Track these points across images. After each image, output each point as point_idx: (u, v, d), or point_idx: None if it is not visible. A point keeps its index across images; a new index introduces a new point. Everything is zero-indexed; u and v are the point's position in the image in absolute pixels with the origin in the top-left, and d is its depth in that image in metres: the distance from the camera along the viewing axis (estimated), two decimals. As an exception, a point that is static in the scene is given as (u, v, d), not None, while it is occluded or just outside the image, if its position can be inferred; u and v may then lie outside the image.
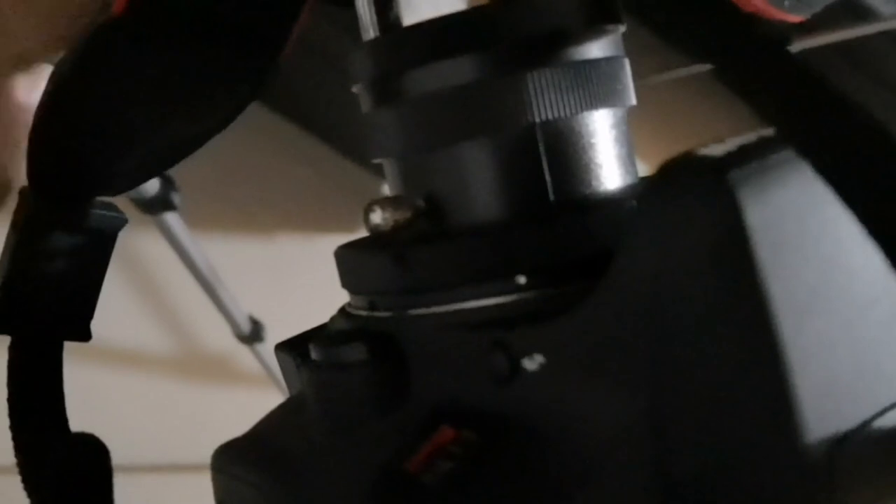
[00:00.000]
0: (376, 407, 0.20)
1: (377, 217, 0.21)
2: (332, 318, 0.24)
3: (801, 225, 0.16)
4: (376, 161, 0.23)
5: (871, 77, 1.35)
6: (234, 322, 1.15)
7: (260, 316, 1.20)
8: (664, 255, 0.16)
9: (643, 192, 0.16)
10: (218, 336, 1.23)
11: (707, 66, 0.18)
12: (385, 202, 0.21)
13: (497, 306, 0.20)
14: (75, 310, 0.24)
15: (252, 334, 1.18)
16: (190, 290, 1.10)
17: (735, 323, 0.15)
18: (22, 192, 0.24)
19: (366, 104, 0.22)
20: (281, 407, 0.24)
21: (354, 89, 0.23)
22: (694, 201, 0.15)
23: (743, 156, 0.16)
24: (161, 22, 0.21)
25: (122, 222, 0.25)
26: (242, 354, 1.24)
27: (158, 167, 0.25)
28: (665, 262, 0.16)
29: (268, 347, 1.20)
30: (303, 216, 1.38)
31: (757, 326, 0.15)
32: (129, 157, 0.24)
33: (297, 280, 1.40)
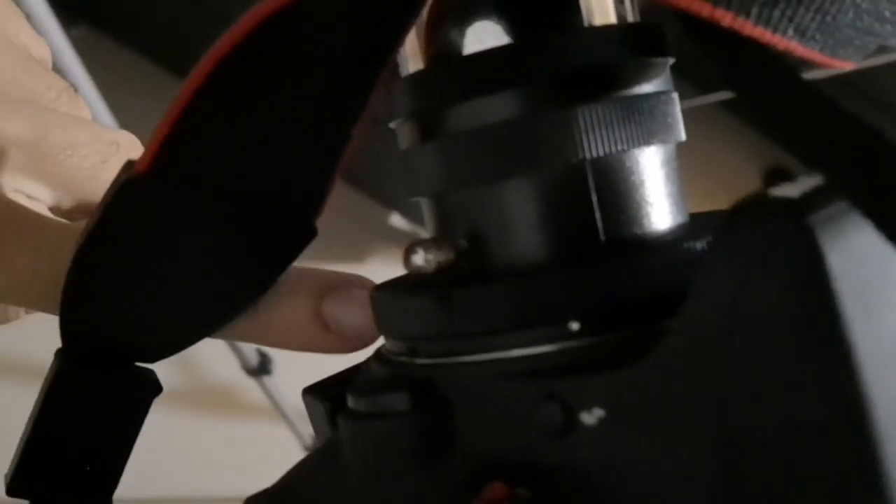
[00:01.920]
0: (418, 459, 0.19)
1: (419, 259, 0.20)
2: (367, 363, 0.23)
3: (882, 270, 0.15)
4: (415, 199, 0.22)
5: (881, 108, 1.34)
6: (242, 354, 1.14)
7: (267, 348, 1.19)
8: (739, 301, 0.15)
9: (716, 234, 0.15)
10: (224, 368, 1.22)
11: (728, 95, 0.17)
12: (427, 243, 0.20)
13: (547, 354, 0.19)
14: (99, 479, 0.23)
15: (259, 367, 1.17)
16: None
17: (816, 373, 0.14)
18: (57, 352, 0.22)
19: (405, 140, 0.22)
20: (311, 456, 0.23)
21: (392, 125, 0.22)
22: (772, 244, 0.15)
23: (821, 197, 0.15)
24: (186, 181, 0.20)
25: (157, 391, 0.23)
26: (249, 387, 1.23)
27: (199, 332, 0.23)
28: (740, 308, 0.15)
29: (275, 380, 1.19)
30: (311, 247, 1.37)
31: (840, 378, 0.14)
32: (165, 321, 0.22)
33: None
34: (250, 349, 1.13)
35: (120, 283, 0.21)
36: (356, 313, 0.24)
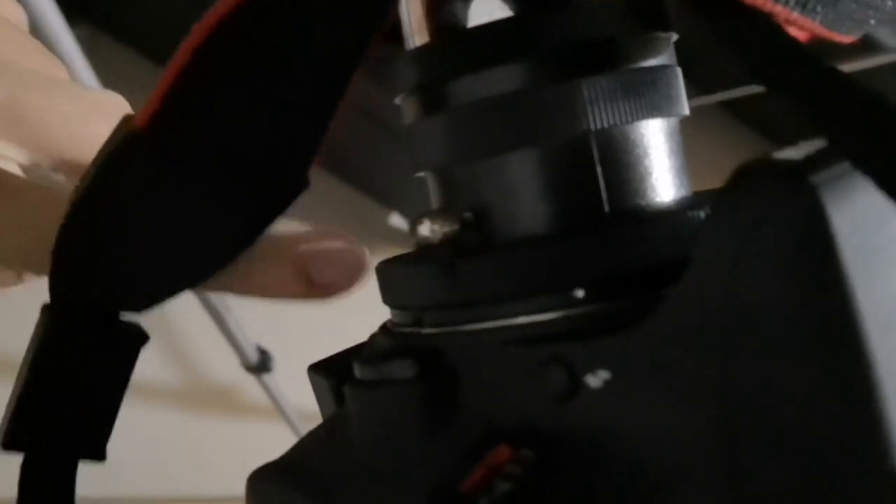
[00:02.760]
0: (424, 425, 0.20)
1: (425, 229, 0.20)
2: (373, 337, 0.23)
3: (884, 229, 0.15)
4: (419, 175, 0.22)
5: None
6: (242, 351, 1.14)
7: (267, 345, 1.19)
8: (742, 262, 0.15)
9: (719, 196, 0.16)
10: (224, 366, 1.22)
11: (758, 88, 0.17)
12: (433, 214, 0.20)
13: (553, 321, 0.19)
14: (92, 428, 0.23)
15: (259, 364, 1.17)
16: (197, 318, 1.10)
17: (819, 333, 0.15)
18: (44, 307, 0.23)
19: (410, 114, 0.22)
20: (318, 429, 0.23)
21: (396, 100, 0.22)
22: (775, 205, 0.15)
23: (823, 159, 0.15)
24: (183, 137, 0.20)
25: (144, 339, 0.24)
26: (248, 385, 1.23)
27: (186, 283, 0.23)
28: (743, 268, 0.15)
29: (275, 378, 1.19)
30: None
31: (843, 337, 0.15)
32: (154, 273, 0.23)
33: (305, 310, 1.39)
34: (251, 347, 1.14)
35: (112, 235, 0.22)
36: (332, 263, 0.25)
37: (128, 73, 1.25)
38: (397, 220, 1.53)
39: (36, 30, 0.68)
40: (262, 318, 1.23)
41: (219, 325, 1.09)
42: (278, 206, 0.22)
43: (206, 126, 0.20)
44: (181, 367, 1.32)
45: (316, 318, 1.38)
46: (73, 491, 0.23)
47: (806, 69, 0.15)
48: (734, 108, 1.59)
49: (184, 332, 1.30)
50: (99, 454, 0.23)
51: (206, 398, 1.34)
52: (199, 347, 1.29)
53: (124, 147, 0.20)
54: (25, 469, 0.22)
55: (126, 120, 0.21)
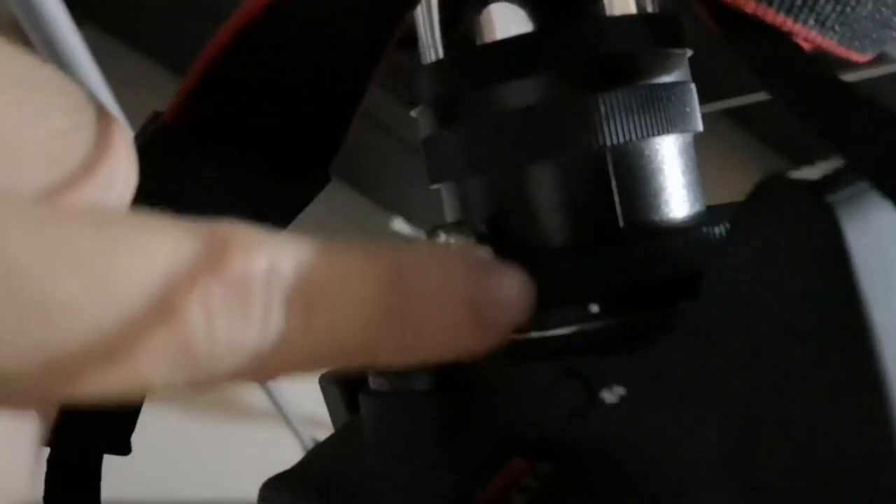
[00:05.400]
0: (439, 436, 0.20)
1: (441, 241, 0.20)
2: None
3: (899, 249, 0.15)
4: (435, 186, 0.22)
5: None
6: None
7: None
8: (760, 280, 0.15)
9: (737, 214, 0.16)
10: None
11: (764, 96, 0.18)
12: (449, 227, 0.21)
13: (569, 335, 0.19)
14: (117, 422, 0.24)
15: (262, 369, 1.16)
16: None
17: (835, 348, 0.15)
18: None
19: (427, 127, 0.22)
20: (330, 438, 0.23)
21: (413, 112, 0.22)
22: (793, 223, 0.15)
23: (840, 178, 0.15)
24: (212, 132, 0.21)
25: None
26: (251, 389, 1.23)
27: None
28: (761, 285, 0.15)
29: (279, 384, 1.19)
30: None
31: (858, 352, 0.15)
32: None
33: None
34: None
35: None
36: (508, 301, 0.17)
37: (134, 76, 1.26)
38: (400, 225, 1.53)
39: (42, 31, 0.68)
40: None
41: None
42: (304, 197, 0.22)
43: (236, 119, 0.21)
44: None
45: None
46: (98, 484, 0.23)
47: (824, 89, 0.15)
48: (738, 117, 1.59)
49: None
50: (123, 448, 0.24)
51: (208, 401, 1.34)
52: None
53: (154, 141, 0.21)
54: (52, 464, 0.23)
55: (155, 116, 0.21)
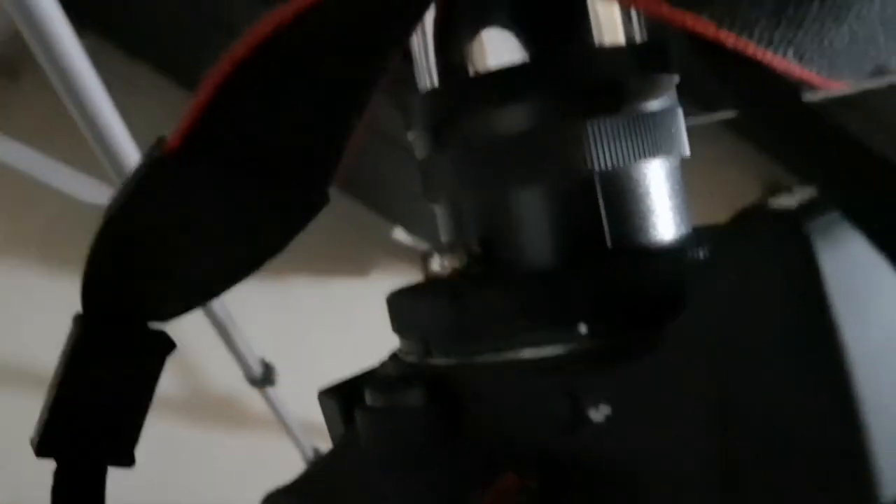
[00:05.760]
0: (432, 451, 0.20)
1: (436, 264, 0.21)
2: (383, 364, 0.24)
3: (871, 273, 0.16)
4: (433, 205, 0.23)
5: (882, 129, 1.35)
6: (246, 365, 1.15)
7: (271, 359, 1.20)
8: (740, 301, 0.16)
9: (715, 242, 0.16)
10: (228, 378, 1.23)
11: (732, 114, 0.18)
12: (443, 248, 0.21)
13: (558, 354, 0.20)
14: (121, 434, 0.24)
15: (263, 378, 1.17)
16: (201, 330, 1.10)
17: (809, 367, 0.16)
18: (75, 318, 0.24)
19: (422, 150, 0.23)
20: (330, 452, 0.24)
21: (410, 136, 0.23)
22: (771, 250, 0.16)
23: (816, 208, 0.16)
24: (216, 157, 0.22)
25: (170, 348, 0.25)
26: (252, 398, 1.24)
27: (209, 293, 0.25)
28: (740, 306, 0.16)
29: (279, 391, 1.20)
30: (315, 260, 1.38)
31: (831, 371, 0.15)
32: (180, 285, 0.24)
33: (309, 323, 1.40)
34: (254, 359, 1.14)
35: (144, 248, 0.23)
36: None
37: (135, 85, 1.27)
38: (401, 234, 1.53)
39: (43, 39, 0.68)
40: (267, 332, 1.24)
41: (223, 338, 1.10)
42: (304, 218, 0.23)
43: (238, 144, 0.21)
44: (185, 379, 1.33)
45: (319, 334, 1.38)
46: (103, 496, 0.24)
47: (800, 121, 0.16)
48: (737, 127, 1.60)
49: (188, 344, 1.31)
50: (127, 460, 0.24)
51: (209, 410, 1.35)
52: (203, 360, 1.30)
53: (158, 165, 0.22)
54: (58, 476, 0.23)
55: (159, 141, 0.22)
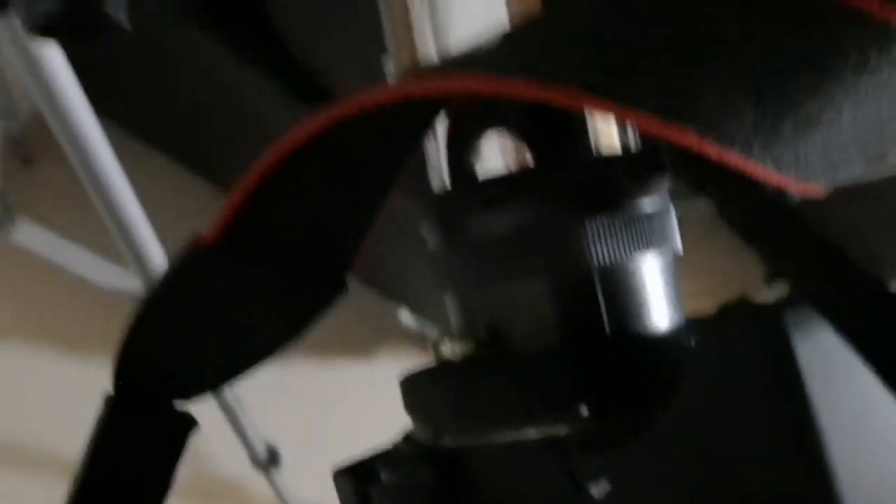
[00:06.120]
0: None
1: (447, 350, 0.23)
2: (396, 444, 0.25)
3: (843, 360, 0.18)
4: (445, 295, 0.25)
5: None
6: (251, 447, 1.15)
7: (276, 441, 1.20)
8: (724, 388, 0.18)
9: (703, 332, 0.18)
10: (232, 461, 1.23)
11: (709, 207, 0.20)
12: (452, 334, 0.23)
13: (561, 435, 0.21)
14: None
15: (268, 460, 1.17)
16: (207, 412, 1.11)
17: (788, 447, 0.17)
18: (105, 398, 0.26)
19: (433, 244, 0.25)
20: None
21: (422, 229, 0.25)
22: (752, 341, 0.17)
23: (793, 302, 0.18)
24: (252, 249, 0.24)
25: (194, 425, 0.27)
26: (256, 480, 1.23)
27: (232, 375, 0.27)
28: (726, 390, 0.18)
29: (283, 475, 1.20)
30: (320, 341, 1.39)
31: (809, 450, 0.17)
32: (206, 366, 0.26)
33: (314, 405, 1.40)
34: (259, 441, 1.15)
35: (174, 333, 0.25)
36: None
37: (147, 170, 1.30)
38: (406, 317, 1.55)
39: (66, 125, 0.70)
40: (272, 414, 1.24)
41: (230, 420, 1.11)
42: (324, 304, 0.25)
43: (268, 238, 0.24)
44: (189, 461, 1.33)
45: (324, 416, 1.39)
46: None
47: (777, 224, 0.18)
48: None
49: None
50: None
51: (213, 493, 1.34)
52: (208, 441, 1.30)
53: (194, 258, 0.24)
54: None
55: (196, 237, 0.24)
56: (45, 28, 0.26)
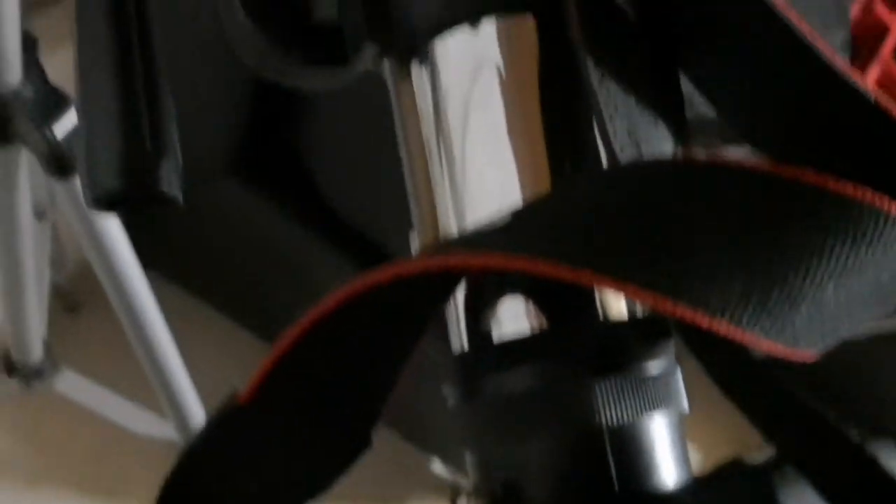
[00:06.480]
0: None
1: (464, 504, 0.24)
2: None
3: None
4: (464, 451, 0.26)
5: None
6: None
7: None
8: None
9: (701, 491, 0.20)
10: None
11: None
12: (470, 491, 0.24)
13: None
14: None
15: None
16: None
17: None
18: None
19: (452, 402, 0.26)
20: None
21: (443, 388, 0.27)
22: (744, 499, 0.19)
23: (780, 462, 0.19)
24: (282, 410, 0.26)
25: None
26: None
27: None
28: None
29: None
30: (351, 490, 1.38)
31: None
32: None
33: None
34: None
35: (209, 487, 0.26)
36: None
37: (192, 321, 1.33)
38: (438, 467, 1.53)
39: (114, 281, 0.73)
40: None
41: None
42: (352, 460, 0.27)
43: (301, 397, 0.26)
44: None
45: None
46: None
47: (763, 391, 0.20)
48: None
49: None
50: None
51: None
52: None
53: (229, 416, 0.26)
54: None
55: (232, 396, 0.26)
56: (106, 204, 0.29)
